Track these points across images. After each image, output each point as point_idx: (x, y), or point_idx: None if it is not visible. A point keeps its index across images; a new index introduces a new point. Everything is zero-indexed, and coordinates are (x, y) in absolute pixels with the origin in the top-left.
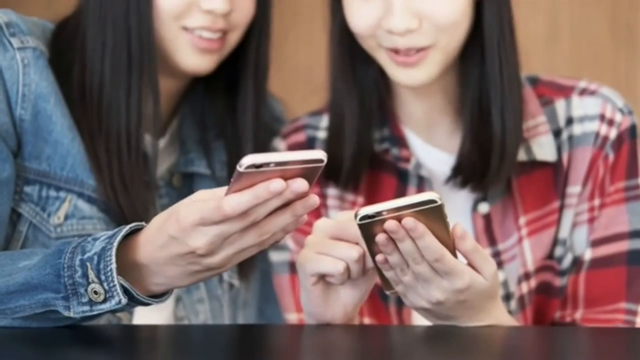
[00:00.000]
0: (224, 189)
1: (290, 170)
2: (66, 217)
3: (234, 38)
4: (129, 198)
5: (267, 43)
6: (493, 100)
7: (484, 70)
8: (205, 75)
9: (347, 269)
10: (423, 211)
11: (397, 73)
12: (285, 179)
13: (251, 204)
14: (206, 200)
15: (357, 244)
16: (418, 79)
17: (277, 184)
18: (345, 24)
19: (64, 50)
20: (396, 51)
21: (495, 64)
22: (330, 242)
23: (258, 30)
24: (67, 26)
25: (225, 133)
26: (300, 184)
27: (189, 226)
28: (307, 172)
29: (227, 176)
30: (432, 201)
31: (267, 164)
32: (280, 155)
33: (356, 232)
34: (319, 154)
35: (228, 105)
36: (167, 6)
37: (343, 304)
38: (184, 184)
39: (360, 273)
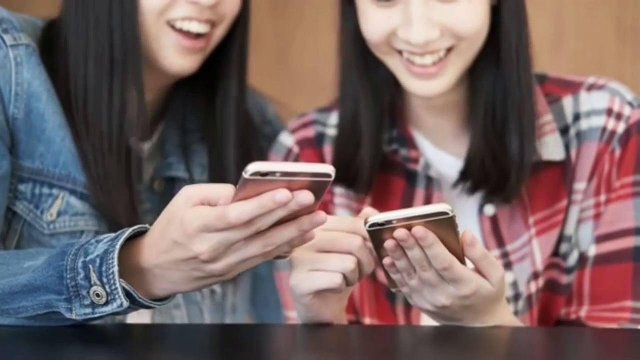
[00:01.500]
0: (213, 187)
1: (297, 182)
2: (59, 214)
3: (219, 32)
4: (113, 198)
5: (247, 37)
6: (510, 109)
7: (499, 77)
8: (188, 75)
9: (344, 278)
10: (433, 221)
11: (413, 84)
12: (292, 190)
13: (256, 213)
14: (210, 207)
15: (350, 253)
16: (434, 90)
17: (282, 194)
18: (357, 28)
19: (50, 50)
20: (412, 61)
21: (513, 72)
22: (320, 256)
23: (242, 24)
24: (53, 25)
25: (207, 136)
26: (305, 196)
27: (192, 231)
28: (314, 185)
29: (207, 180)
30: (444, 213)
31: (272, 173)
32: (287, 165)
33: (347, 242)
34: (327, 168)
35: (209, 106)
36: (151, 1)
37: (340, 302)
38: (166, 189)
39: (356, 280)
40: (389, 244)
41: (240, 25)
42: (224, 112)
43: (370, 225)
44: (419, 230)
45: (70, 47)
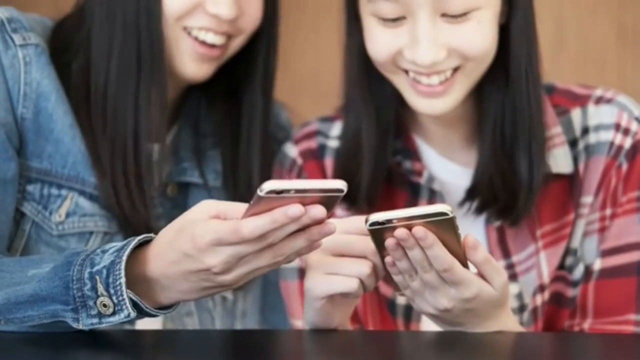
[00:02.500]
0: (230, 203)
1: (310, 197)
2: (67, 215)
3: (236, 43)
4: (129, 199)
5: (275, 50)
6: (520, 129)
7: (508, 96)
8: (202, 82)
9: (361, 283)
10: (434, 222)
11: (419, 102)
12: (304, 204)
13: (269, 228)
14: (222, 222)
15: (365, 257)
16: (440, 108)
17: (295, 209)
18: (361, 45)
19: (63, 48)
20: (418, 80)
21: (522, 92)
22: (336, 260)
23: (266, 38)
24: (67, 23)
25: (223, 142)
26: (318, 211)
27: (204, 245)
28: (326, 199)
29: (221, 186)
30: (444, 213)
31: (287, 191)
32: (301, 182)
33: (361, 246)
34: (340, 184)
35: (227, 113)
36: (171, 6)
37: (347, 309)
38: (179, 194)
39: (373, 285)
40: (389, 242)
41: (264, 38)
42: (251, 122)
43: (371, 224)
44: (419, 230)
45: (94, 42)
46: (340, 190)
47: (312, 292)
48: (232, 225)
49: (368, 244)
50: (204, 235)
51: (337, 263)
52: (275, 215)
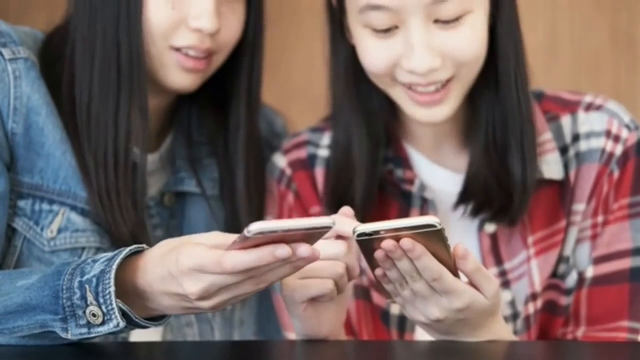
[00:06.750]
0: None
1: (297, 234)
2: (59, 231)
3: (219, 60)
4: (116, 213)
5: (260, 64)
6: (511, 129)
7: (498, 97)
8: (189, 92)
9: (335, 284)
10: (422, 233)
11: (417, 112)
12: (291, 240)
13: (253, 265)
14: (209, 248)
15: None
16: (439, 117)
17: (282, 250)
18: (350, 58)
19: (54, 61)
20: (415, 90)
21: (512, 92)
22: (310, 265)
23: (250, 52)
24: (56, 36)
25: (217, 151)
26: (305, 250)
27: (186, 269)
28: (314, 234)
29: (219, 195)
30: (432, 225)
31: (274, 231)
32: (289, 222)
33: (333, 250)
34: (328, 221)
35: (219, 122)
36: (155, 24)
37: (335, 315)
38: (176, 203)
39: (346, 284)
40: (378, 254)
41: (247, 52)
42: (235, 133)
43: (359, 235)
44: (406, 242)
45: (77, 55)
46: (329, 227)
47: (290, 299)
48: (216, 256)
49: (339, 247)
50: (186, 259)
51: (310, 267)
52: (262, 253)
